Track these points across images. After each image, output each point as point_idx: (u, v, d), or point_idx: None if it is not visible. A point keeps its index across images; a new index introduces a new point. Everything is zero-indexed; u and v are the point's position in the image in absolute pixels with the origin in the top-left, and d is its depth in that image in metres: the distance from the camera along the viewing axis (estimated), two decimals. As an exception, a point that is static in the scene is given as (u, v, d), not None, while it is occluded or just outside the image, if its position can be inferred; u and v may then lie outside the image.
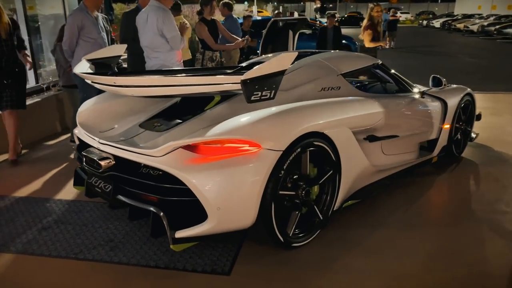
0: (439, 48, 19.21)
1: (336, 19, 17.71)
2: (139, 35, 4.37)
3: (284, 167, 2.47)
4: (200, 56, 5.83)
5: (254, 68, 2.27)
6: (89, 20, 4.50)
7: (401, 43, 20.76)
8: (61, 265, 2.54)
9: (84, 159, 2.80)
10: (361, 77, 4.64)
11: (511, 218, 3.18)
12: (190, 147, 2.39)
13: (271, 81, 2.33)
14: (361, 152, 3.06)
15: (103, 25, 4.71)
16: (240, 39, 5.94)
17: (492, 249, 2.77)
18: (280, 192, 2.50)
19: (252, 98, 2.31)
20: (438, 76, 3.91)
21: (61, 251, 2.68)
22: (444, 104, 4.17)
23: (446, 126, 4.19)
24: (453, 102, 4.23)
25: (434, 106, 4.05)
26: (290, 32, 5.33)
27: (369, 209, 3.28)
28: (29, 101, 5.49)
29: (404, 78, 4.23)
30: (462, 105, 4.38)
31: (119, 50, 3.59)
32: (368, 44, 6.68)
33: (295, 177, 2.66)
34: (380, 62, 4.01)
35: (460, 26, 30.44)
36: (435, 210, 3.35)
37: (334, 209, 2.96)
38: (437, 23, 36.51)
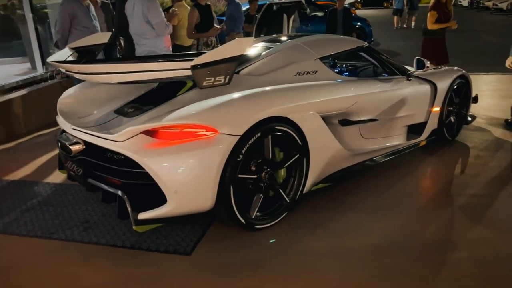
0: (463, 27, 18.51)
1: (354, 1, 17.21)
2: (129, 23, 4.46)
3: (243, 151, 2.52)
4: (195, 41, 5.87)
5: (205, 53, 2.31)
6: (80, 9, 4.61)
7: (423, 22, 20.16)
8: (34, 244, 2.70)
9: (59, 144, 2.92)
10: (351, 61, 4.60)
11: (486, 202, 3.13)
12: (149, 132, 2.46)
13: (224, 67, 2.36)
14: (331, 136, 3.07)
15: (95, 13, 4.82)
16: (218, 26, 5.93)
17: (458, 233, 2.75)
18: (240, 176, 2.56)
19: (204, 83, 2.36)
20: (421, 58, 3.83)
21: (37, 231, 2.84)
22: (434, 87, 4.09)
23: (436, 109, 4.11)
24: (443, 84, 4.15)
25: (422, 88, 3.98)
26: (284, 16, 5.30)
27: (343, 193, 3.30)
28: (33, 88, 5.71)
29: (392, 61, 4.17)
30: (455, 87, 4.28)
31: (103, 38, 3.68)
32: (431, 26, 5.84)
33: (258, 161, 2.71)
34: (366, 45, 3.95)
35: (489, 4, 29.15)
36: (412, 195, 3.33)
37: (304, 192, 3.00)
38: (464, 2, 35.08)
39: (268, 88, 2.86)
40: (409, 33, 16.79)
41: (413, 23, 18.73)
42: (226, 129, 2.45)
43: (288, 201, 2.87)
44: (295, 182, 2.92)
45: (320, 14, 12.18)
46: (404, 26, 18.94)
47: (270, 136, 2.68)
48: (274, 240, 2.68)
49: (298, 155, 2.86)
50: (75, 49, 3.47)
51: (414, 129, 4.06)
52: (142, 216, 2.48)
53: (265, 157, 2.72)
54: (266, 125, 2.63)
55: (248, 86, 3.01)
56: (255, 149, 2.65)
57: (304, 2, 5.42)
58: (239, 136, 2.48)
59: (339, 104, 3.18)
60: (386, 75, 3.95)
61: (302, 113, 2.84)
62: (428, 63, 3.80)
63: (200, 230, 2.79)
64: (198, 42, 5.82)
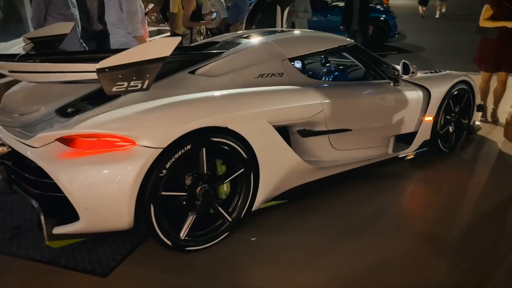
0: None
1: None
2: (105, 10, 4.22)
3: (167, 166, 2.22)
4: (188, 31, 5.57)
5: (115, 55, 2.01)
6: None
7: (453, 11, 19.09)
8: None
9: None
10: (341, 62, 4.19)
11: (459, 234, 2.72)
12: (64, 140, 2.21)
13: (141, 70, 2.06)
14: (287, 148, 2.73)
15: (74, 1, 4.60)
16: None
17: (418, 267, 2.37)
18: (163, 193, 2.27)
19: (114, 89, 2.06)
20: (407, 62, 3.38)
21: (-38, 235, 2.67)
22: (427, 93, 3.64)
23: (428, 118, 3.67)
24: (438, 90, 3.69)
25: (411, 95, 3.54)
26: (278, 8, 4.93)
27: (303, 212, 2.95)
28: None
29: (382, 63, 3.74)
30: (454, 93, 3.82)
31: (65, 28, 3.45)
32: (482, 22, 4.71)
33: (191, 175, 2.41)
34: (351, 44, 3.55)
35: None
36: (382, 217, 2.95)
37: (253, 209, 2.69)
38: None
39: (203, 94, 2.54)
40: (439, 25, 15.88)
41: (437, 13, 18.03)
42: (145, 140, 2.16)
43: (230, 220, 2.57)
44: (241, 198, 2.61)
45: (341, 4, 11.56)
46: (436, 16, 18.19)
47: (205, 149, 2.37)
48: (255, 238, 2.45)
49: (243, 169, 2.54)
50: (31, 40, 3.25)
51: (407, 139, 3.65)
52: (57, 230, 2.25)
53: (199, 172, 2.42)
54: (199, 137, 2.32)
55: (200, 88, 2.72)
56: (188, 162, 2.36)
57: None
58: (162, 149, 2.19)
59: (299, 113, 2.82)
60: (372, 78, 3.54)
61: (248, 122, 2.51)
62: (414, 70, 3.35)
63: (129, 247, 2.53)
64: (192, 31, 5.52)
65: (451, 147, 4.01)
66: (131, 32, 3.97)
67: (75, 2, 4.64)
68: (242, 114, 2.49)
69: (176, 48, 3.67)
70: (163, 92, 2.62)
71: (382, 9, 12.67)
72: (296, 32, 3.75)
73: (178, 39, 2.18)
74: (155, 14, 11.29)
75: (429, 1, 18.25)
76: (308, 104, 2.85)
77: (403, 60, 3.43)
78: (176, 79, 2.79)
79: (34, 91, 3.12)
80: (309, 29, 8.81)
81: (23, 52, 3.06)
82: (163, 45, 2.13)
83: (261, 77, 2.94)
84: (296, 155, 2.78)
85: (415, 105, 3.59)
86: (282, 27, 5.05)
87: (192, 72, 2.86)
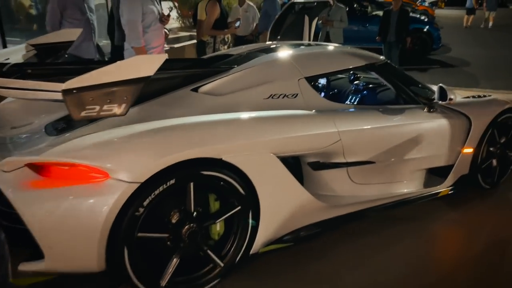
0: None
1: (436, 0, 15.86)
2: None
3: (145, 203, 1.91)
4: (212, 39, 5.28)
5: (86, 74, 1.71)
6: (71, 0, 4.21)
7: (501, 22, 18.06)
8: None
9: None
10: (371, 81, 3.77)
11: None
12: (34, 166, 1.94)
13: (117, 92, 1.75)
14: (295, 184, 2.36)
15: (92, 5, 4.42)
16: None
17: None
18: (140, 234, 1.95)
19: (83, 114, 1.76)
20: (444, 87, 2.91)
21: None
22: (468, 122, 3.16)
23: (468, 150, 3.19)
24: (481, 119, 3.20)
25: (449, 123, 3.07)
26: (306, 18, 4.56)
27: (311, 257, 2.55)
28: None
29: (417, 84, 3.30)
30: (500, 123, 3.31)
31: (71, 35, 3.24)
32: None
33: (178, 212, 2.08)
34: (381, 62, 3.12)
35: None
36: (407, 267, 2.51)
37: (251, 253, 2.33)
38: None
39: (198, 118, 2.21)
40: (486, 37, 14.94)
41: (490, 23, 17.16)
42: (120, 173, 1.85)
43: (222, 265, 2.22)
44: (236, 241, 2.25)
45: (381, 13, 11.03)
46: (481, 26, 17.34)
47: (193, 184, 2.04)
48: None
49: (240, 207, 2.19)
50: (34, 47, 3.05)
51: (441, 173, 3.19)
52: (22, 267, 1.98)
53: (186, 210, 2.09)
54: (186, 170, 2.00)
55: (201, 108, 2.41)
56: (173, 197, 2.04)
57: (331, 3, 4.61)
58: (139, 184, 1.87)
59: (312, 142, 2.44)
60: (403, 102, 3.10)
61: (247, 153, 2.16)
62: (452, 95, 2.89)
63: (107, 288, 2.23)
64: (215, 40, 5.23)
65: (493, 183, 3.49)
66: (129, 42, 3.69)
67: (93, 7, 4.46)
68: (240, 144, 2.14)
69: (182, 62, 3.43)
70: (159, 112, 2.34)
71: (426, 19, 12.03)
72: (319, 47, 3.36)
73: (164, 56, 1.86)
74: (189, 19, 11.19)
75: (476, 10, 17.46)
76: (323, 132, 2.46)
77: (440, 84, 2.97)
78: (176, 97, 2.49)
79: (33, 103, 2.91)
80: (345, 39, 8.49)
81: (18, 61, 2.86)
82: (145, 63, 1.82)
83: (272, 98, 2.59)
84: (306, 191, 2.40)
85: (453, 135, 3.11)
86: (310, 39, 4.68)
87: (195, 90, 2.55)
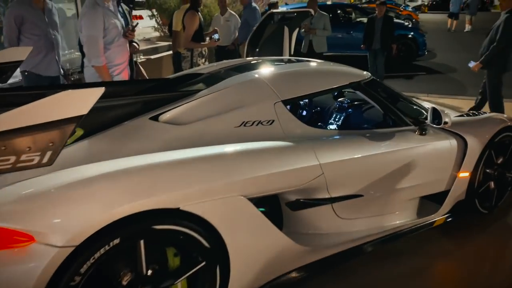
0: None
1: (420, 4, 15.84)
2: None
3: (82, 270, 1.55)
4: (188, 53, 4.94)
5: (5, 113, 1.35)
6: (31, 13, 3.84)
7: (482, 25, 18.13)
8: None
9: None
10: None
11: None
12: None
13: (41, 137, 1.40)
14: (272, 228, 2.03)
15: (56, 19, 4.05)
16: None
17: None
18: (77, 306, 1.60)
19: (-7, 167, 1.40)
20: (438, 108, 2.61)
21: None
22: (463, 143, 2.87)
23: (463, 174, 2.89)
24: (477, 140, 2.91)
25: (442, 146, 2.78)
26: (286, 29, 4.25)
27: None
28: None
29: (404, 103, 3.00)
30: (497, 143, 3.03)
31: (20, 54, 2.86)
32: None
33: (129, 272, 1.73)
34: (366, 79, 2.81)
35: None
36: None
37: (222, 311, 1.98)
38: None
39: (149, 157, 1.86)
40: (470, 41, 14.85)
41: (467, 27, 17.22)
42: (49, 235, 1.49)
43: (185, 330, 1.87)
44: (202, 299, 1.91)
45: (365, 20, 10.82)
46: (465, 30, 17.39)
47: (143, 241, 1.69)
48: None
49: (204, 263, 1.85)
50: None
51: (435, 200, 2.89)
52: None
53: (138, 272, 1.73)
54: (133, 226, 1.65)
55: (160, 141, 2.07)
56: (121, 257, 1.69)
57: (312, 13, 4.30)
58: (74, 248, 1.52)
59: (290, 179, 2.11)
60: (392, 123, 2.79)
61: (211, 199, 1.82)
62: (447, 118, 2.58)
63: None
64: (192, 53, 4.88)
65: (491, 207, 3.20)
66: (89, 60, 3.33)
67: (57, 21, 4.09)
68: (202, 188, 1.80)
69: (142, 83, 3.06)
70: (109, 147, 2.00)
71: (410, 25, 11.85)
72: (299, 64, 3.03)
73: (100, 90, 1.51)
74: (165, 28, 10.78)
75: (459, 14, 17.50)
76: (303, 167, 2.13)
77: (433, 106, 2.67)
78: (131, 128, 2.15)
79: None
80: (329, 46, 8.22)
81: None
82: (76, 100, 1.47)
83: (244, 126, 2.25)
84: (284, 236, 2.07)
85: (447, 159, 2.82)
86: (290, 51, 4.37)
87: (155, 118, 2.21)
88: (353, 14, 11.33)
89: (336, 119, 3.03)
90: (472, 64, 5.00)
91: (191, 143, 2.11)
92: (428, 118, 2.65)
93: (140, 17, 13.87)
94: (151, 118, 2.20)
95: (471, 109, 4.96)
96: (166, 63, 8.04)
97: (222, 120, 2.24)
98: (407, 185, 2.63)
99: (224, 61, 3.22)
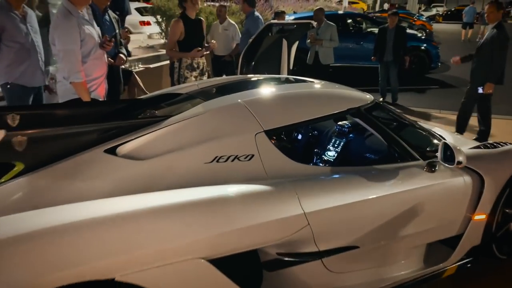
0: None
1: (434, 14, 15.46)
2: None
3: None
4: (178, 63, 4.59)
5: None
6: (10, 20, 3.55)
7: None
8: None
9: None
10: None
11: None
12: None
13: None
14: None
15: (35, 25, 3.75)
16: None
17: None
18: None
19: None
20: (451, 145, 2.22)
21: None
22: (479, 180, 2.47)
23: (479, 216, 2.50)
24: (496, 177, 2.52)
25: (455, 184, 2.39)
26: (284, 42, 3.89)
27: None
28: None
29: (412, 132, 2.62)
30: (520, 178, 2.62)
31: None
32: None
33: None
34: (368, 104, 2.44)
35: None
36: None
37: None
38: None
39: (83, 210, 1.51)
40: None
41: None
42: None
43: None
44: None
45: (376, 30, 10.42)
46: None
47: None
48: None
49: None
50: None
51: (446, 246, 2.50)
52: None
53: None
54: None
55: (115, 181, 1.73)
56: None
57: (314, 25, 3.93)
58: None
59: (265, 233, 1.74)
60: (397, 157, 2.41)
61: (160, 264, 1.46)
62: (461, 157, 2.18)
63: None
64: (180, 64, 4.53)
65: (510, 253, 2.79)
66: (68, 76, 2.99)
67: (37, 27, 3.80)
68: (146, 252, 1.44)
69: (103, 105, 2.68)
70: (51, 187, 1.67)
71: (423, 37, 11.43)
72: (291, 86, 2.67)
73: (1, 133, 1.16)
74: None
75: (473, 24, 17.14)
76: (283, 218, 1.76)
77: (444, 142, 2.27)
78: (81, 163, 1.81)
79: None
80: (338, 58, 7.84)
81: None
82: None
83: (217, 161, 1.90)
84: None
85: (460, 199, 2.43)
86: (289, 67, 4.01)
87: (111, 151, 1.87)
88: (364, 24, 10.95)
89: (331, 151, 2.65)
90: (480, 90, 4.78)
91: (151, 183, 1.77)
92: (439, 155, 2.26)
93: (148, 23, 13.70)
94: (106, 151, 1.86)
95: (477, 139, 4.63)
96: (166, 73, 7.74)
97: (191, 154, 1.89)
98: (413, 232, 2.25)
99: (209, 79, 2.87)
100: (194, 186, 1.77)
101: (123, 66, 6.08)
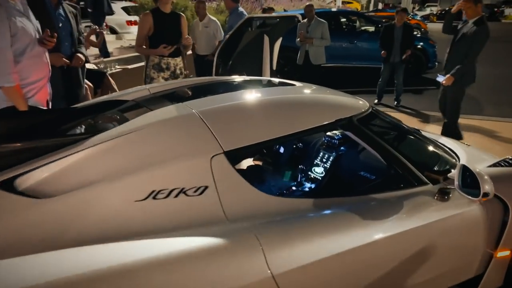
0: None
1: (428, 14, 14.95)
2: None
3: None
4: (145, 62, 4.07)
5: None
6: None
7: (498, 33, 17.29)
8: None
9: None
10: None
11: None
12: None
13: None
14: None
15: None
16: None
17: None
18: None
19: None
20: (474, 171, 1.71)
21: None
22: (502, 209, 1.96)
23: (503, 253, 1.98)
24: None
25: (472, 215, 1.87)
26: (266, 38, 3.36)
27: None
28: None
29: (420, 143, 2.11)
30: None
31: None
32: None
33: None
34: (363, 112, 1.93)
35: None
36: None
37: None
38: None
39: None
40: (483, 51, 13.90)
41: None
42: None
43: None
44: None
45: (371, 29, 9.95)
46: None
47: None
48: None
49: None
50: None
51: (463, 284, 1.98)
52: None
53: None
54: None
55: (11, 226, 1.21)
56: None
57: (300, 18, 3.40)
58: None
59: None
60: (398, 179, 1.89)
61: None
62: (487, 186, 1.68)
63: None
64: (147, 64, 3.99)
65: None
66: None
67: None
68: None
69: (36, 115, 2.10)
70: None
71: (419, 35, 10.96)
72: (266, 92, 2.14)
73: None
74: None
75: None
76: (241, 286, 1.24)
77: (463, 165, 1.75)
78: None
79: None
80: (330, 57, 7.33)
81: None
82: None
83: (154, 198, 1.37)
84: None
85: (480, 232, 1.91)
86: (272, 66, 3.48)
87: (8, 184, 1.34)
88: (358, 23, 10.46)
89: (316, 176, 2.11)
90: (441, 78, 4.55)
91: (58, 231, 1.25)
92: (456, 182, 1.74)
93: (135, 23, 13.15)
94: (0, 185, 1.33)
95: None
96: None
97: (116, 188, 1.36)
98: (422, 280, 1.73)
99: (166, 82, 2.34)
100: (117, 236, 1.25)
101: (94, 67, 5.57)
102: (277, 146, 2.52)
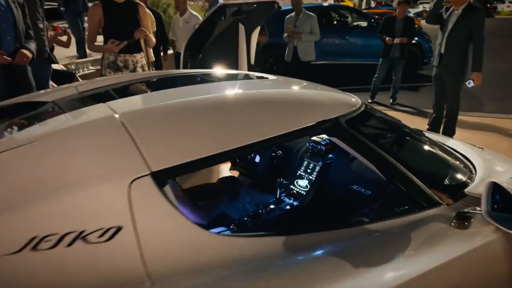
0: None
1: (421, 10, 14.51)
2: None
3: None
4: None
5: None
6: None
7: (493, 28, 16.94)
8: None
9: None
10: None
11: None
12: None
13: None
14: None
15: None
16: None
17: None
18: None
19: None
20: (504, 186, 1.26)
21: None
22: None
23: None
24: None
25: (497, 244, 1.41)
26: (241, 27, 2.89)
27: None
28: None
29: (427, 148, 1.66)
30: None
31: None
32: None
33: None
34: (353, 112, 1.46)
35: None
36: None
37: None
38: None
39: None
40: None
41: None
42: None
43: None
44: None
45: (363, 24, 9.50)
46: None
47: None
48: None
49: None
50: None
51: None
52: None
53: None
54: None
55: None
56: None
57: (279, 4, 2.92)
58: None
59: None
60: (401, 199, 1.43)
61: None
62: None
63: None
64: (102, 62, 3.45)
65: None
66: None
67: None
68: None
69: None
70: None
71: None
72: (226, 86, 1.67)
73: None
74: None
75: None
76: None
77: (493, 182, 1.28)
78: None
79: None
80: (321, 54, 6.88)
81: None
82: None
83: (33, 248, 0.89)
84: None
85: (505, 263, 1.45)
86: (249, 59, 3.00)
87: None
88: (350, 18, 10.03)
89: (292, 201, 1.63)
90: (471, 83, 4.31)
91: None
92: (483, 207, 1.27)
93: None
94: None
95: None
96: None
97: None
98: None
99: (102, 77, 1.86)
100: None
101: (63, 68, 5.08)
102: (251, 155, 2.05)
